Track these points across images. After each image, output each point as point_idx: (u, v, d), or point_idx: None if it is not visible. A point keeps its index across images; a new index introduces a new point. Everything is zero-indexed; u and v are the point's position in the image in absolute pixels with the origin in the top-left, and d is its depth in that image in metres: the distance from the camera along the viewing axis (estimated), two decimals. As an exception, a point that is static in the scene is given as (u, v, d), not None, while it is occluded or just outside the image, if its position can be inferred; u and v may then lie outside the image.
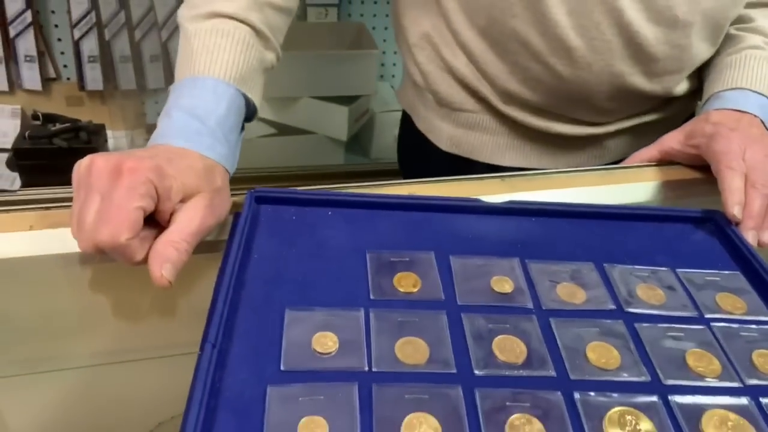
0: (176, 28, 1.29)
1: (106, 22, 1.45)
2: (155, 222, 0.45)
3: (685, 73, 0.71)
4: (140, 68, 1.49)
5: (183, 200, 0.46)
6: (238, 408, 0.36)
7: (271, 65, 0.62)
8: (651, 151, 0.65)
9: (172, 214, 0.45)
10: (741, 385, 0.40)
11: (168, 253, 0.42)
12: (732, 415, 0.37)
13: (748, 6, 0.71)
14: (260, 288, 0.44)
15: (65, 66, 1.55)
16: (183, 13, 0.58)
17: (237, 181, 0.55)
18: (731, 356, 0.42)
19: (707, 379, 0.40)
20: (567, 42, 0.64)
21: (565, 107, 0.72)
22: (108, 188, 0.42)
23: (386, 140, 1.49)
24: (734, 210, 0.52)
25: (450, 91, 0.75)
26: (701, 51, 0.69)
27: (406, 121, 0.88)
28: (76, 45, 1.48)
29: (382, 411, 0.36)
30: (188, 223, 0.44)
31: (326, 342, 0.40)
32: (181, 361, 0.39)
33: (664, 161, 0.65)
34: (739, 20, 0.71)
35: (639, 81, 0.68)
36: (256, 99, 0.58)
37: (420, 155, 0.84)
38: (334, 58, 1.29)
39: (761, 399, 0.39)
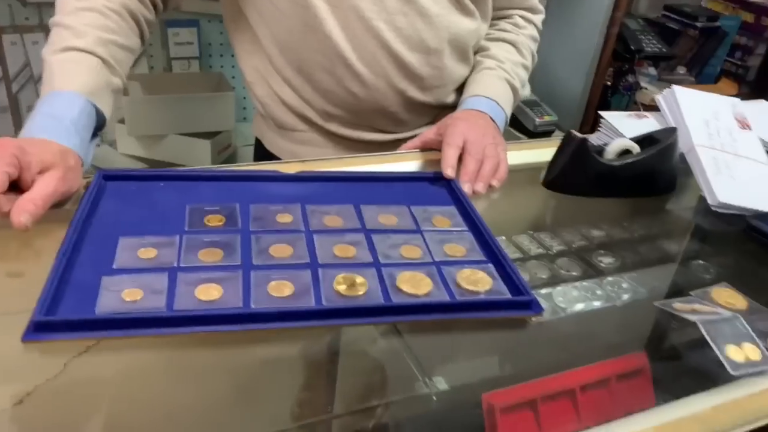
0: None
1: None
2: (20, 189, 0.61)
3: (450, 87, 0.96)
4: (18, 121, 1.60)
5: (41, 172, 0.62)
6: (80, 289, 0.52)
7: (118, 88, 0.78)
8: (415, 141, 0.88)
9: (33, 183, 0.61)
10: (432, 261, 0.61)
11: (27, 206, 0.58)
12: (419, 274, 0.58)
13: (487, 39, 0.99)
14: (102, 227, 0.60)
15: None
16: (45, 51, 0.74)
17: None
18: (431, 248, 0.63)
19: (411, 259, 0.61)
20: (357, 70, 0.87)
21: (369, 120, 0.94)
22: (-18, 159, 0.57)
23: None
24: (447, 171, 0.75)
25: (284, 117, 0.96)
26: (456, 70, 0.95)
27: (258, 145, 1.07)
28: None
29: (182, 286, 0.53)
30: (44, 187, 0.60)
31: (148, 253, 0.57)
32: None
33: (425, 148, 0.88)
34: (481, 49, 0.98)
35: (416, 94, 0.92)
36: (106, 110, 0.74)
37: None
38: (195, 99, 1.49)
39: (442, 267, 0.60)
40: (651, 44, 1.77)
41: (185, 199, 0.67)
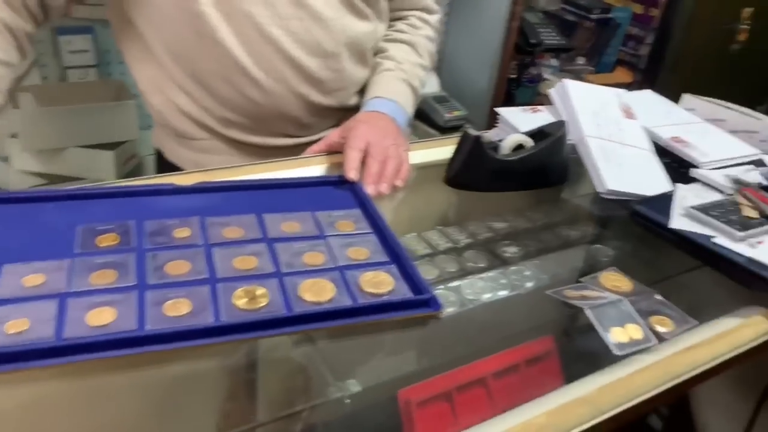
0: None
1: None
2: None
3: (351, 89, 0.97)
4: None
5: None
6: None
7: None
8: (320, 145, 0.88)
9: None
10: (335, 266, 0.62)
11: None
12: (321, 281, 0.59)
13: (385, 41, 1.00)
14: (-18, 255, 0.57)
15: None
16: None
17: None
18: (335, 253, 0.64)
19: (314, 266, 0.61)
20: (254, 76, 0.86)
21: (271, 125, 0.93)
22: None
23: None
24: (350, 174, 0.76)
25: (183, 125, 0.93)
26: (356, 72, 0.95)
27: (159, 156, 1.04)
28: None
29: (72, 312, 0.51)
30: None
31: (35, 280, 0.54)
32: None
33: (330, 151, 0.88)
34: (380, 51, 0.99)
35: (318, 98, 0.92)
36: None
37: None
38: (94, 109, 1.42)
39: (345, 271, 0.61)
40: (550, 37, 1.85)
41: (76, 219, 0.64)
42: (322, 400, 0.55)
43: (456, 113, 1.75)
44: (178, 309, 0.53)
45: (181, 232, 0.64)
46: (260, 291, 0.56)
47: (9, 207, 0.65)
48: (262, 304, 0.55)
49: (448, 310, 0.63)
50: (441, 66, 1.96)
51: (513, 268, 0.73)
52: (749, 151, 0.94)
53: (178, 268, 0.58)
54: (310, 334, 0.56)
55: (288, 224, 0.68)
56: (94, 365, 0.48)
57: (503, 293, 0.69)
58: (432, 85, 1.86)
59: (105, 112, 1.44)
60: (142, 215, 0.66)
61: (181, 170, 0.97)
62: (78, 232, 0.62)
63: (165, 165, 1.00)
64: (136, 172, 1.55)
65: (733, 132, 0.99)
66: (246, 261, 0.61)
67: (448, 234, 0.76)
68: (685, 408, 0.95)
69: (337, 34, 0.87)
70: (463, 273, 0.70)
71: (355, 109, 0.96)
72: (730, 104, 1.05)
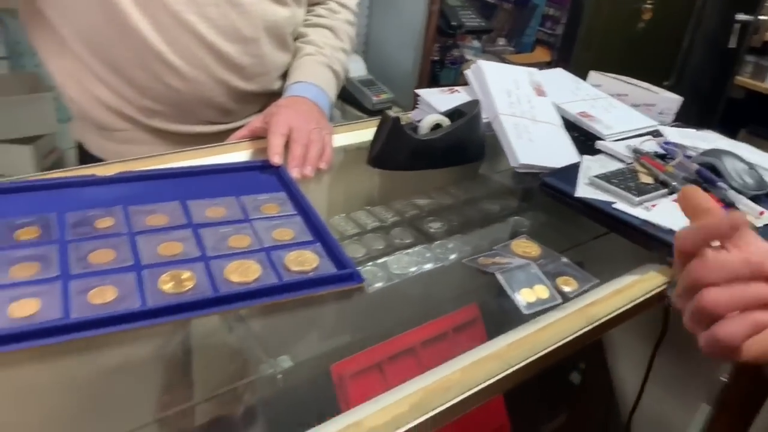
0: None
1: None
2: None
3: (274, 74, 0.98)
4: None
5: None
6: None
7: None
8: (243, 131, 0.89)
9: None
10: (261, 248, 0.63)
11: None
12: (247, 262, 0.60)
13: (305, 26, 1.01)
14: None
15: None
16: None
17: None
18: (260, 236, 0.65)
19: (239, 249, 0.63)
20: (172, 64, 0.85)
21: (194, 113, 0.93)
22: None
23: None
24: (275, 159, 0.77)
25: (103, 116, 0.92)
26: (277, 57, 0.96)
27: (81, 150, 1.01)
28: None
29: (-5, 304, 0.51)
30: None
31: (-48, 276, 0.54)
32: None
33: (255, 137, 0.89)
34: (300, 36, 1.01)
35: (240, 84, 0.93)
36: None
37: None
38: (8, 103, 1.37)
39: (270, 252, 0.63)
40: (470, 19, 1.90)
41: (-7, 216, 0.63)
42: (256, 377, 0.57)
43: (383, 96, 1.78)
44: (103, 296, 0.54)
45: (104, 222, 0.64)
46: (186, 275, 0.57)
47: None
48: (188, 287, 0.56)
49: (376, 285, 0.66)
50: (367, 50, 1.98)
51: (437, 242, 0.76)
52: (648, 123, 1.01)
53: (102, 257, 0.59)
54: (242, 314, 0.58)
55: (213, 210, 0.69)
56: (19, 358, 0.49)
57: (428, 266, 0.72)
58: (359, 69, 1.88)
59: (20, 106, 1.39)
60: (63, 207, 0.66)
61: (100, 162, 0.96)
62: (-6, 229, 0.61)
63: (87, 158, 0.98)
64: (57, 166, 1.51)
65: (635, 105, 1.07)
66: (171, 247, 0.62)
67: (375, 213, 0.79)
68: (601, 361, 1.03)
69: (256, 20, 0.88)
70: (390, 250, 0.73)
71: (278, 94, 0.97)
72: (632, 80, 1.12)
